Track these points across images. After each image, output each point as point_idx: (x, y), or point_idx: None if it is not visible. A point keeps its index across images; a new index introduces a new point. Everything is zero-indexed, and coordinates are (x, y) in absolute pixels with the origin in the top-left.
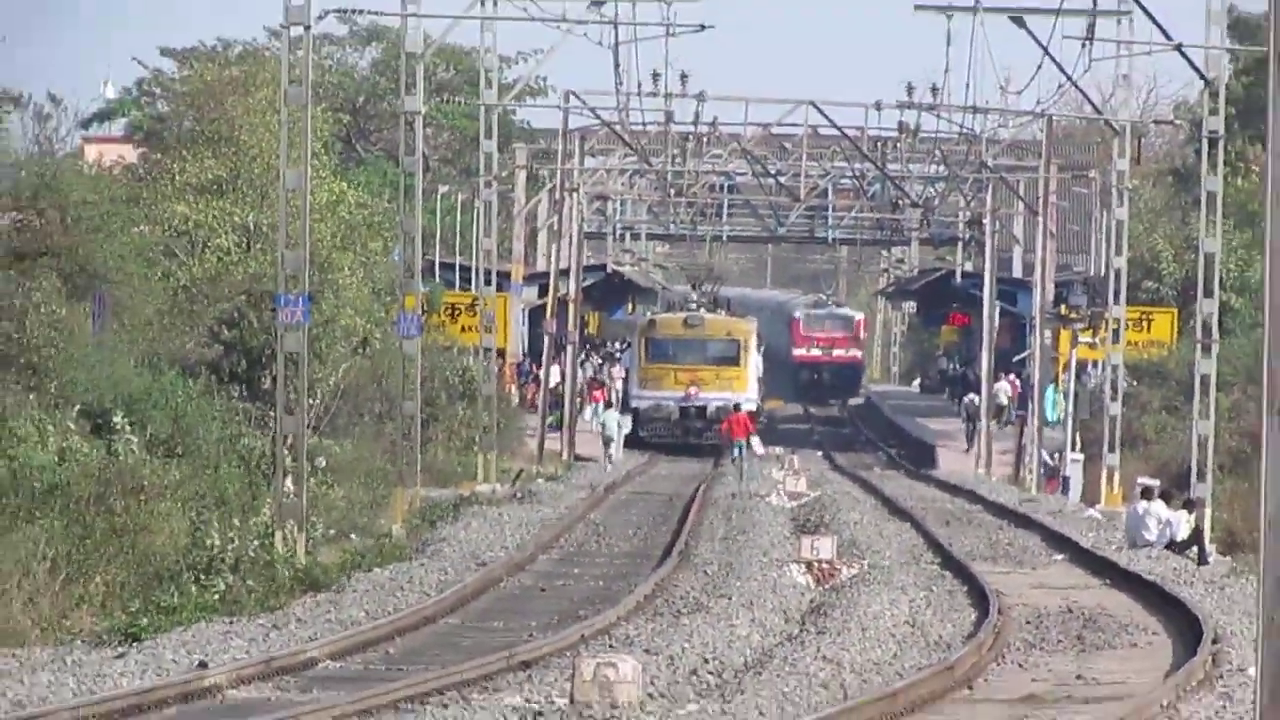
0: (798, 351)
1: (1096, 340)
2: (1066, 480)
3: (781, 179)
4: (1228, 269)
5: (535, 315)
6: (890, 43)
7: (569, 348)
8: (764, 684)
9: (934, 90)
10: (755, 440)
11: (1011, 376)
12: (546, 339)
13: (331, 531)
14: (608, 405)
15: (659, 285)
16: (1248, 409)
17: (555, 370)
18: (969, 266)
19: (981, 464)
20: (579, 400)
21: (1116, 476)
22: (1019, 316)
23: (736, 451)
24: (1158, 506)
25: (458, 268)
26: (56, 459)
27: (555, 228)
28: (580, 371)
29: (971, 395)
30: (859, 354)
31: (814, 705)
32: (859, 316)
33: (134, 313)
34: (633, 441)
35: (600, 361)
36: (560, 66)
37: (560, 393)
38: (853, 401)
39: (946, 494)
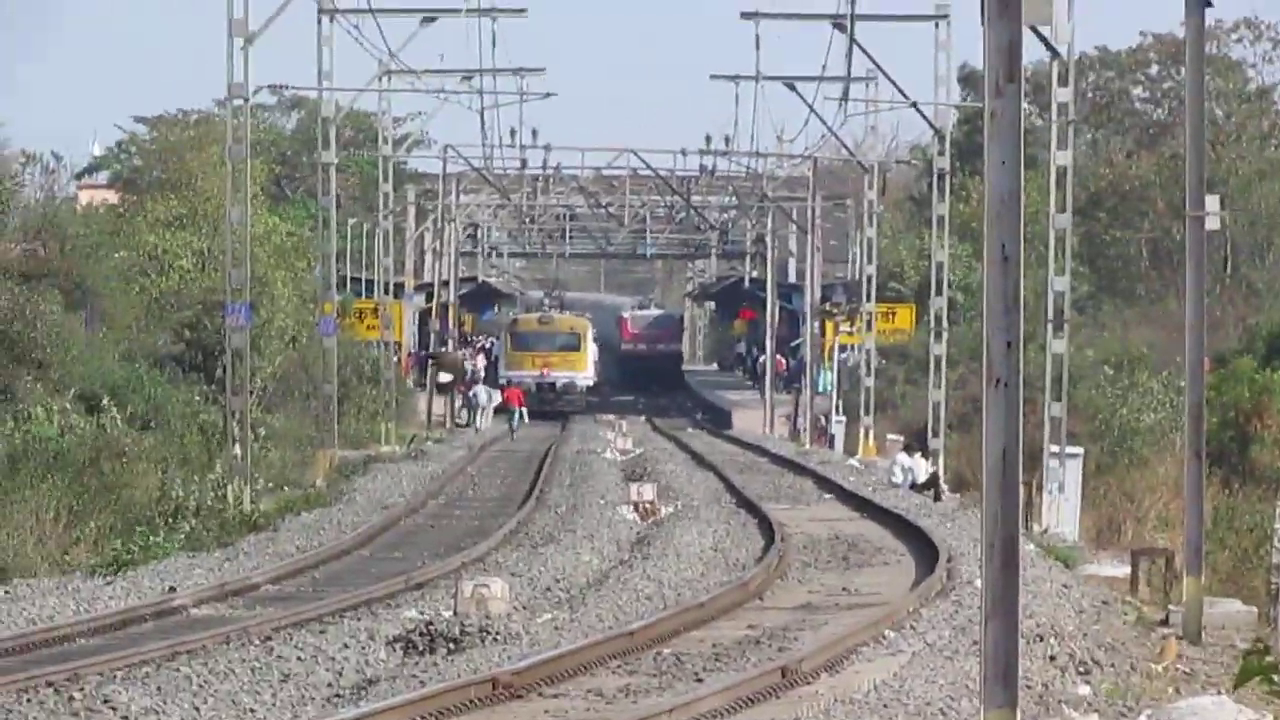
0: (625, 346)
1: (854, 329)
2: (833, 437)
3: (610, 209)
4: (954, 273)
5: (423, 316)
6: (692, 102)
7: (450, 341)
8: (603, 598)
9: (726, 140)
10: (524, 411)
11: (778, 358)
12: (432, 335)
13: (270, 484)
14: (474, 383)
15: (518, 292)
16: (970, 380)
17: (480, 360)
18: (755, 274)
19: (767, 425)
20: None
21: (871, 434)
22: (794, 311)
23: (516, 417)
24: (902, 456)
25: (364, 281)
26: (59, 432)
27: (437, 249)
28: (468, 359)
29: (760, 357)
30: (679, 347)
31: (641, 614)
32: (679, 314)
33: (116, 318)
34: (500, 410)
35: (468, 351)
36: (440, 125)
37: (475, 378)
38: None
39: (740, 449)
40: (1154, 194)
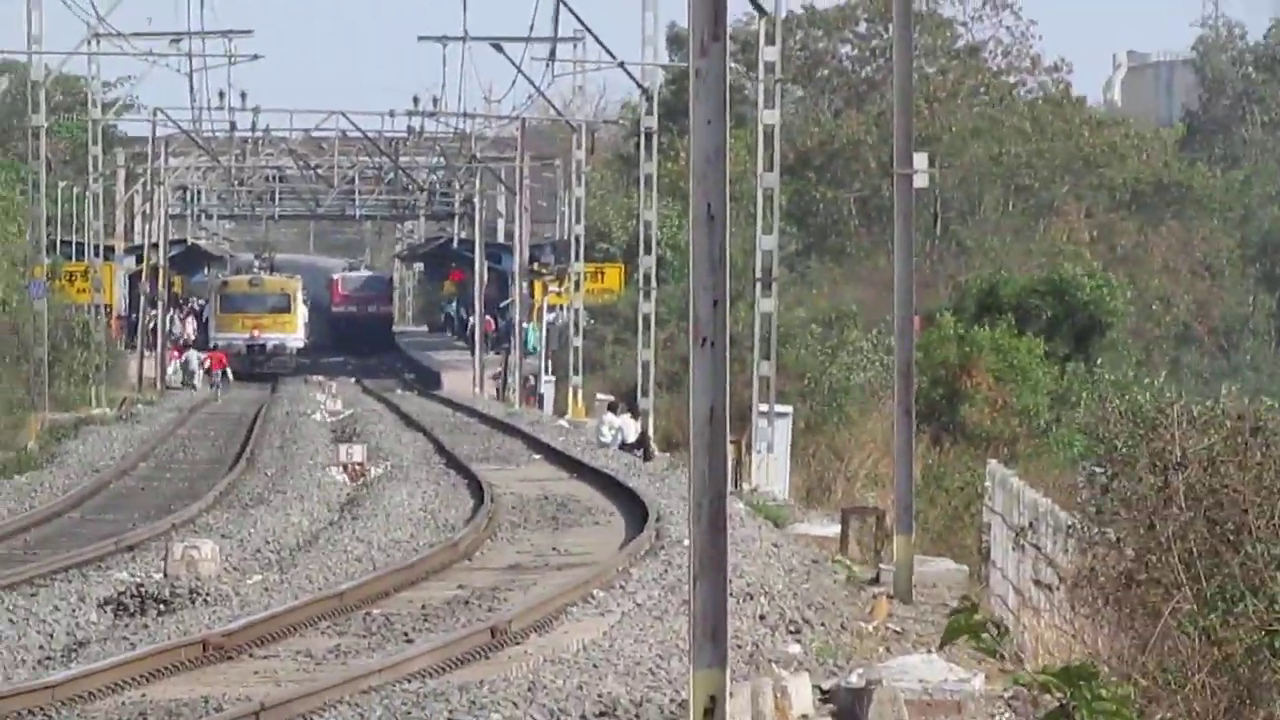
0: (336, 308)
1: (563, 289)
2: (542, 397)
3: (319, 171)
4: (664, 232)
5: (134, 279)
6: (401, 64)
7: (160, 303)
8: (313, 559)
9: (434, 100)
10: (229, 371)
11: (487, 318)
12: (142, 297)
13: None
14: (187, 346)
15: (228, 254)
16: (679, 340)
17: (190, 322)
18: (464, 235)
19: (477, 386)
20: (176, 352)
21: (580, 394)
22: (503, 272)
23: (219, 376)
24: (610, 416)
25: (74, 244)
26: None
27: (147, 212)
28: (177, 322)
29: (470, 318)
30: (390, 309)
31: (351, 575)
32: (389, 276)
33: None
34: (208, 372)
35: (175, 312)
36: (149, 88)
37: (188, 342)
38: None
39: (450, 409)
40: (865, 152)
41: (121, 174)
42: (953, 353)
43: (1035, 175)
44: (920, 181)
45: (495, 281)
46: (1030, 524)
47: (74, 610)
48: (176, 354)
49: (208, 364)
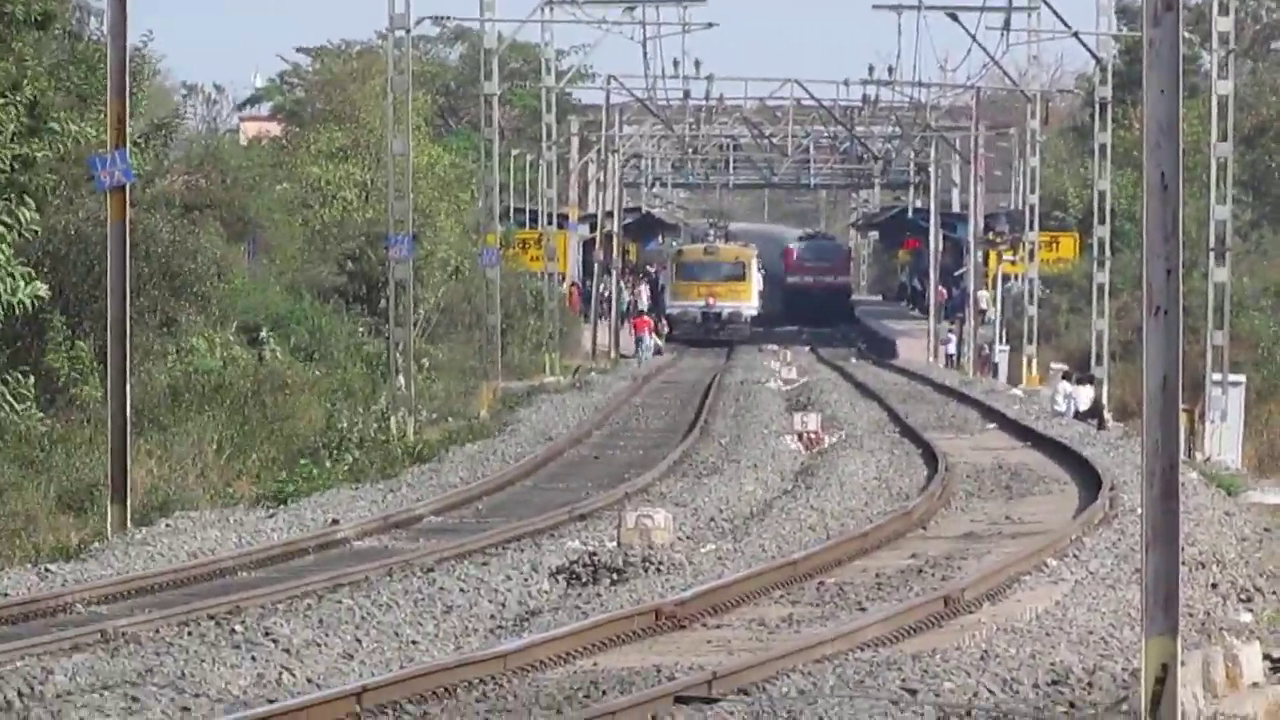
0: (790, 278)
1: (1017, 258)
2: (996, 366)
3: (773, 139)
4: (1118, 202)
5: (587, 247)
6: (855, 32)
7: (613, 271)
8: (766, 528)
9: (889, 69)
10: (652, 336)
11: (940, 289)
12: (597, 265)
13: (434, 415)
14: (642, 314)
15: (681, 223)
16: (1133, 309)
17: (644, 290)
18: (919, 204)
19: (931, 354)
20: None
21: (1034, 363)
22: (958, 241)
23: (643, 341)
24: (1064, 384)
25: (527, 211)
26: (221, 364)
27: (601, 180)
28: (626, 291)
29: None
30: (847, 280)
31: (804, 544)
32: (847, 246)
33: (279, 250)
34: (666, 339)
35: (632, 280)
36: (603, 56)
37: (641, 309)
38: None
39: (904, 378)
40: None
41: (575, 142)
42: None
43: None
44: None
45: (950, 250)
46: None
47: (526, 579)
48: (642, 325)
49: (664, 330)
